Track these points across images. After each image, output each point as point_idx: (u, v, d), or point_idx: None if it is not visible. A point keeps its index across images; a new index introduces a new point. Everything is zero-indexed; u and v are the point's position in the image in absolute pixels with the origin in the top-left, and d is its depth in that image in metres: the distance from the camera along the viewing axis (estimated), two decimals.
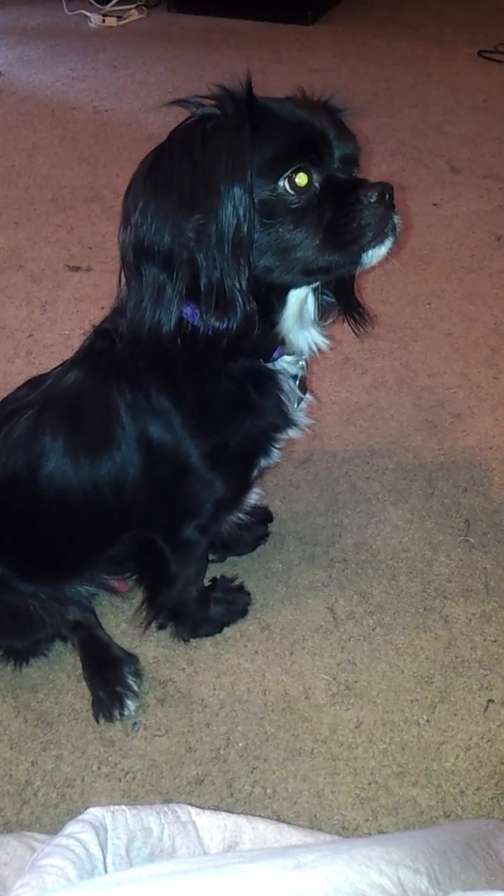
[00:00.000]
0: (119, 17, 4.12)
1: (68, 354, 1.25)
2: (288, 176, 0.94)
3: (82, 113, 3.19)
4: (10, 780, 1.21)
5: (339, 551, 1.54)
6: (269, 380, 1.14)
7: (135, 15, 4.17)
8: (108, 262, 2.28)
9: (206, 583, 1.41)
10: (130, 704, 1.26)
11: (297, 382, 1.18)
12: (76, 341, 1.98)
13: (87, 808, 0.79)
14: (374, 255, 1.00)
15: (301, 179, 0.95)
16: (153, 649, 1.37)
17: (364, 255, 1.00)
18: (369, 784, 1.20)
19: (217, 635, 1.39)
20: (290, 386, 1.17)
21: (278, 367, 1.14)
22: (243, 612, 1.41)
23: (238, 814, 0.92)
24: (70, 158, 2.86)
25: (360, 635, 1.39)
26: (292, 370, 1.16)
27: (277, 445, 1.22)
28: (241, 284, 0.93)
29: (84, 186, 2.68)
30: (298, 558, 1.53)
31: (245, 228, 0.91)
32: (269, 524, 1.57)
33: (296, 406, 1.19)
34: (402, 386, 1.91)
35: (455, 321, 2.10)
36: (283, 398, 1.16)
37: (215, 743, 1.25)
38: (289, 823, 1.02)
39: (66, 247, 2.38)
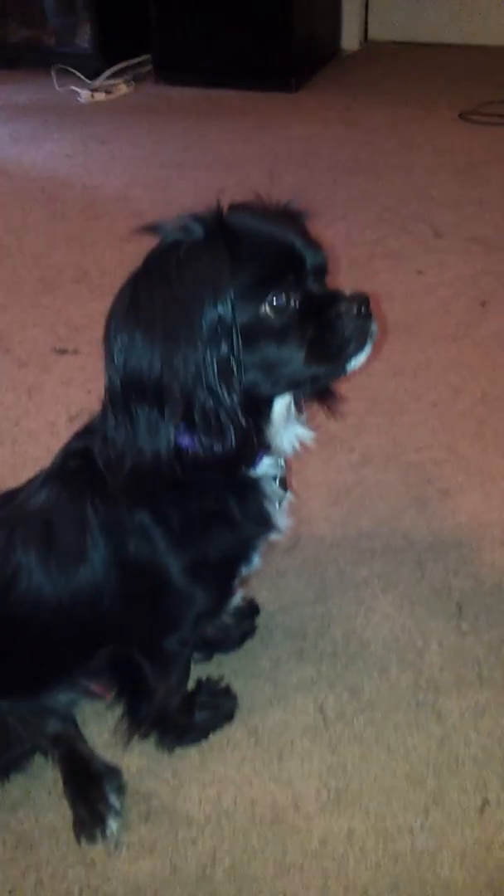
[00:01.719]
0: (108, 92, 4.23)
1: (53, 442, 1.24)
2: (268, 301, 0.95)
3: (71, 190, 3.25)
4: None
5: (328, 644, 1.50)
6: (251, 488, 1.13)
7: (123, 89, 4.28)
8: (94, 343, 2.26)
9: (191, 684, 1.38)
10: (112, 824, 1.22)
11: (278, 482, 1.17)
12: (62, 429, 1.99)
13: None
14: (357, 361, 1.03)
15: (281, 302, 0.96)
16: (136, 760, 1.33)
17: (348, 364, 1.03)
18: None
19: (203, 742, 1.34)
20: (271, 489, 1.15)
21: (260, 473, 1.12)
22: (230, 717, 1.37)
23: None
24: (58, 237, 2.90)
25: (350, 736, 1.35)
26: (273, 472, 1.15)
27: (258, 551, 1.20)
28: (232, 406, 0.93)
29: (72, 265, 2.71)
30: (286, 654, 1.49)
31: (232, 354, 0.92)
32: (255, 617, 1.54)
33: (278, 507, 1.17)
34: (390, 462, 1.89)
35: (441, 391, 2.10)
36: (265, 504, 1.14)
37: (201, 861, 1.20)
38: None
39: (53, 328, 2.40)
